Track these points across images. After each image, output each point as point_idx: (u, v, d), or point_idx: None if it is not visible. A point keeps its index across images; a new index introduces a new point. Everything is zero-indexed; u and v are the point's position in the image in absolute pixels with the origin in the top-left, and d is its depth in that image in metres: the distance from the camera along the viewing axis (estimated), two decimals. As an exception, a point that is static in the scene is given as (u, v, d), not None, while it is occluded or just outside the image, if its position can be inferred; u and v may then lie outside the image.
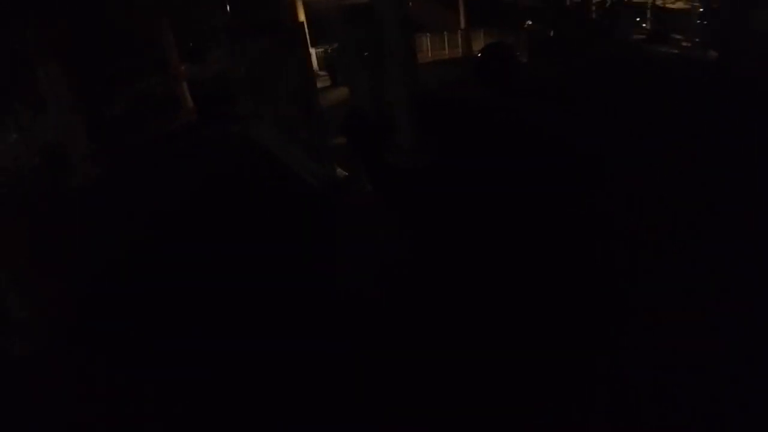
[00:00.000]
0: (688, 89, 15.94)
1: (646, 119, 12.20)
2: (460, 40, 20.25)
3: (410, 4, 18.59)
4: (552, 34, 22.42)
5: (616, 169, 9.62)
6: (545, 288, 6.60)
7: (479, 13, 21.91)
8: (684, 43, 30.71)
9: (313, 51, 18.93)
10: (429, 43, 19.25)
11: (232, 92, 16.87)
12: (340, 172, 10.63)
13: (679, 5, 47.21)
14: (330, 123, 12.23)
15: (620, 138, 11.08)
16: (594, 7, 39.24)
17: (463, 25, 20.58)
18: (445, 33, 19.91)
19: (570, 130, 11.79)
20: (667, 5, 46.75)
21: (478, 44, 20.07)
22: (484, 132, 12.11)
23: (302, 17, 17.41)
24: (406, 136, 10.69)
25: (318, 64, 20.82)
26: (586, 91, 14.19)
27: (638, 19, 44.45)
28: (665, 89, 15.41)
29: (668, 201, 7.81)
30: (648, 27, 43.90)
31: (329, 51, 21.87)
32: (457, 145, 11.39)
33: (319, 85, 15.74)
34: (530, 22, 26.09)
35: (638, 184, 9.09)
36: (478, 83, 14.14)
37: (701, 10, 45.30)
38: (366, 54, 13.38)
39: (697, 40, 30.85)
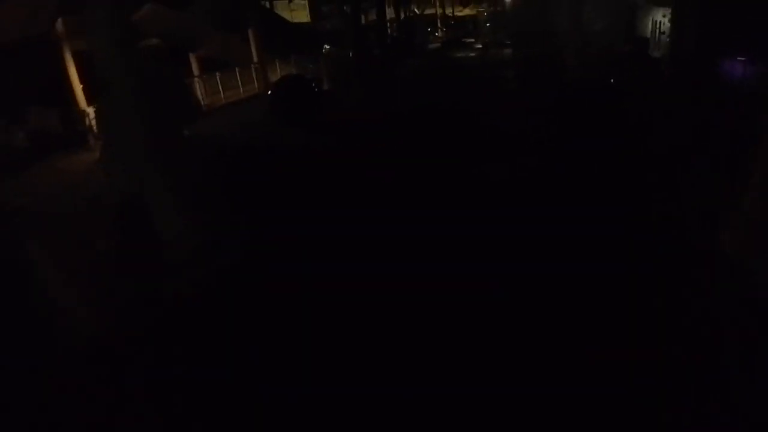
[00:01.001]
0: (494, 90, 15.92)
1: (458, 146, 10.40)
2: (254, 74, 18.28)
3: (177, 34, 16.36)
4: (351, 55, 21.80)
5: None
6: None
7: (273, 42, 20.48)
8: (477, 45, 32.67)
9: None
10: (219, 83, 16.95)
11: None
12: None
13: (466, 12, 51.06)
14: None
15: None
16: (389, 23, 40.25)
17: (256, 57, 18.78)
18: (237, 69, 17.95)
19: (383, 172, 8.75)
20: (456, 14, 50.26)
21: (277, 77, 18.55)
22: (295, 201, 7.65)
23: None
24: (172, 224, 5.48)
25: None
26: (392, 118, 13.05)
27: (429, 29, 47.32)
28: (471, 97, 15.21)
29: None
30: (439, 35, 46.96)
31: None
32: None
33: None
34: (327, 47, 25.32)
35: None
36: (275, 123, 12.18)
37: (485, 14, 49.59)
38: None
39: (488, 41, 33.18)
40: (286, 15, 38.75)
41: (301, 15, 40.81)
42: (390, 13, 39.23)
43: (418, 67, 23.60)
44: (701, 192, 6.43)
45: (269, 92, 13.37)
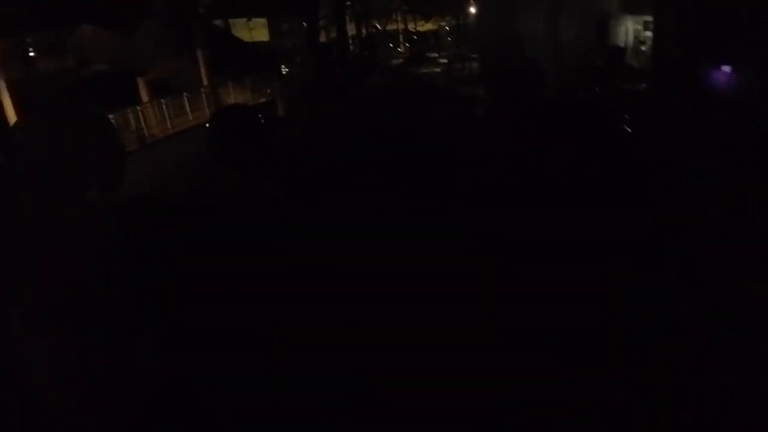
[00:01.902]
0: (461, 107, 14.95)
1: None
2: (205, 100, 16.65)
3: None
4: (311, 75, 20.63)
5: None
6: None
7: (226, 64, 19.04)
8: (441, 60, 31.82)
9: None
10: (166, 111, 15.33)
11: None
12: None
13: (428, 27, 50.50)
14: None
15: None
16: (351, 40, 39.24)
17: (206, 81, 17.19)
18: (185, 94, 16.31)
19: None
20: (418, 29, 49.64)
21: (231, 100, 17.12)
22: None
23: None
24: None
25: None
26: (352, 148, 11.84)
27: (391, 45, 46.61)
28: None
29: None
30: (402, 50, 46.24)
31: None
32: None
33: None
34: (285, 68, 24.05)
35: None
36: (214, 163, 10.58)
37: (447, 28, 49.12)
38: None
39: (452, 55, 32.41)
40: (245, 34, 37.38)
41: (261, 33, 39.44)
42: (351, 29, 38.27)
43: (381, 85, 22.50)
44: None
45: (207, 125, 11.47)
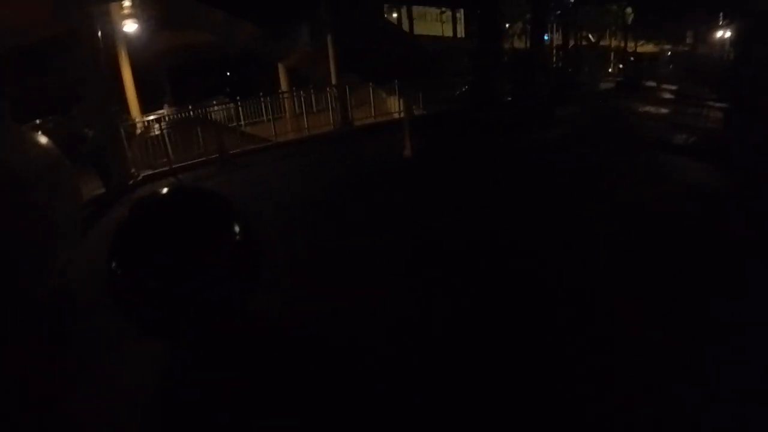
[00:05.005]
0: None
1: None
2: (330, 99, 13.22)
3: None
4: (467, 90, 15.08)
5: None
6: None
7: (362, 64, 14.96)
8: (664, 95, 24.14)
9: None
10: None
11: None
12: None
13: (649, 48, 41.89)
14: None
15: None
16: (554, 51, 33.12)
17: (334, 79, 13.54)
18: (307, 91, 13.40)
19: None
20: (637, 49, 41.38)
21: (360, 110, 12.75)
22: None
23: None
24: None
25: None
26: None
27: (600, 64, 38.06)
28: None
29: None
30: (613, 72, 37.40)
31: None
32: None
33: None
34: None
35: None
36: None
37: (669, 53, 39.92)
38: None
39: (685, 89, 24.39)
40: (437, 29, 33.47)
41: (447, 29, 35.34)
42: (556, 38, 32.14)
43: (578, 124, 15.98)
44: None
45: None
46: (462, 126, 14.99)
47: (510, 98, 18.34)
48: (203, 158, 11.91)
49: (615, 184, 8.69)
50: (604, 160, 10.64)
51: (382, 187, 9.12)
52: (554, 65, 29.48)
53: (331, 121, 14.39)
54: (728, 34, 26.19)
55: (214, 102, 16.99)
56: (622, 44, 38.34)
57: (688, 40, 37.51)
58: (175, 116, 14.06)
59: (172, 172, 11.29)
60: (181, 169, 11.52)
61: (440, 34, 33.32)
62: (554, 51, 32.53)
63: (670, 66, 37.78)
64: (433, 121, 15.54)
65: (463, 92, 18.44)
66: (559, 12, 28.20)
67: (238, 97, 18.07)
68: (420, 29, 31.86)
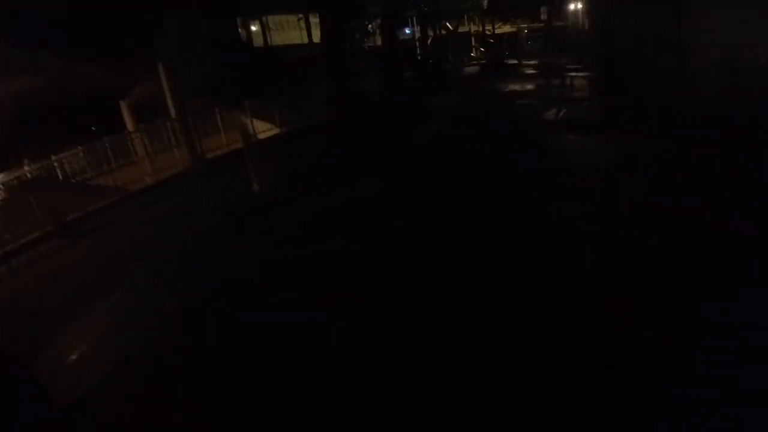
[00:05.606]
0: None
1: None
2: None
3: None
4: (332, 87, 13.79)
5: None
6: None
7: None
8: (525, 70, 24.28)
9: None
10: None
11: None
12: None
13: (507, 29, 43.15)
14: None
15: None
16: (417, 43, 32.67)
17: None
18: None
19: None
20: (496, 32, 42.41)
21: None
22: None
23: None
24: None
25: None
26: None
27: (463, 50, 38.80)
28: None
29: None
30: (476, 56, 37.86)
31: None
32: None
33: None
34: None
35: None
36: None
37: (526, 32, 41.28)
38: None
39: (544, 63, 24.70)
40: (296, 36, 31.64)
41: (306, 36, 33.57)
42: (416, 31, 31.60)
43: (454, 108, 15.40)
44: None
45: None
46: (334, 135, 13.69)
47: (378, 98, 17.26)
48: (36, 233, 9.20)
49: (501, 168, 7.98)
50: (482, 150, 9.98)
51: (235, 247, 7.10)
52: (418, 57, 28.98)
53: (179, 159, 12.34)
54: (580, 5, 27.04)
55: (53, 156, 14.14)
56: (481, 28, 38.85)
57: (543, 17, 38.61)
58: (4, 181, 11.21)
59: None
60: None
61: (300, 41, 31.68)
62: (416, 43, 32.04)
63: (528, 43, 39.06)
64: (297, 135, 14.04)
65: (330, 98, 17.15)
66: (418, 3, 27.57)
67: (79, 146, 15.20)
68: (281, 39, 30.13)
